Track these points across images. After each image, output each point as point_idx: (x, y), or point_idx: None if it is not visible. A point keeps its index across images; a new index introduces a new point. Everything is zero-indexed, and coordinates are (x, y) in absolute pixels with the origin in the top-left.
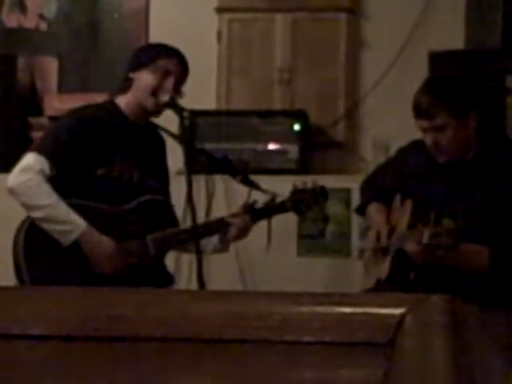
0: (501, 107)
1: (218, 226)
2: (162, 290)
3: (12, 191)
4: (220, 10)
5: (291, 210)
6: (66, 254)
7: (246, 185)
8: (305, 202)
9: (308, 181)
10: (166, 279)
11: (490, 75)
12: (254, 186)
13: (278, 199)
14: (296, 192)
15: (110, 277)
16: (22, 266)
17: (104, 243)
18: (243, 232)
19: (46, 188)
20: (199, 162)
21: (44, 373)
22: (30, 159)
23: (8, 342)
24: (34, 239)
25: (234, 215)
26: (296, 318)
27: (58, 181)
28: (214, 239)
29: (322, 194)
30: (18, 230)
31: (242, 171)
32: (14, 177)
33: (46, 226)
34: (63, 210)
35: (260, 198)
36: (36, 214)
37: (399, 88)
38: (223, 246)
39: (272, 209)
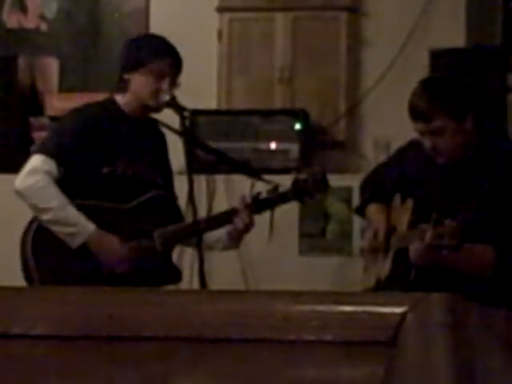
0: (502, 105)
1: (222, 220)
2: (163, 290)
3: (20, 194)
4: (220, 10)
5: (294, 199)
6: (74, 254)
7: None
8: (307, 191)
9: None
10: (174, 275)
11: (490, 73)
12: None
13: (280, 190)
14: (297, 181)
15: (118, 275)
16: (31, 266)
17: (113, 244)
18: (247, 225)
19: (54, 190)
20: (200, 159)
21: (45, 372)
22: (36, 161)
23: (8, 341)
24: (42, 239)
25: (234, 210)
26: (297, 317)
27: (65, 181)
28: (223, 236)
29: (322, 181)
30: (26, 230)
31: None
32: (22, 179)
33: (54, 227)
34: (71, 213)
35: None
36: (44, 216)
37: (400, 86)
38: (233, 243)
39: (275, 199)
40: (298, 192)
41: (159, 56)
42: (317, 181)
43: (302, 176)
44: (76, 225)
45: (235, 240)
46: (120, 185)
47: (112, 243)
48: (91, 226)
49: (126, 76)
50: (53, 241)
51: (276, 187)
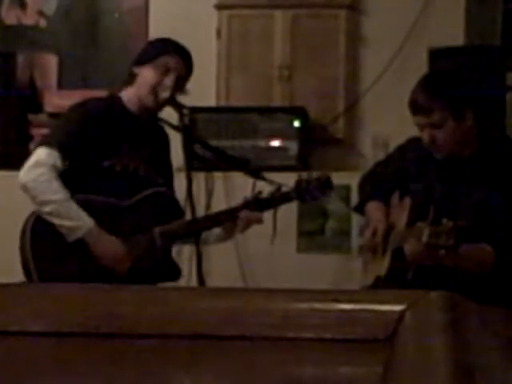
0: (501, 105)
1: (223, 218)
2: (162, 287)
3: (24, 187)
4: (219, 7)
5: (296, 199)
6: (73, 249)
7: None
8: (310, 192)
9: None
10: (173, 271)
11: (489, 72)
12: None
13: (283, 190)
14: (301, 182)
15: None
16: (30, 262)
17: (111, 243)
18: (246, 224)
19: (57, 184)
20: (199, 157)
21: (43, 370)
22: (41, 154)
23: (7, 339)
24: (40, 234)
25: (234, 209)
26: (296, 315)
27: (66, 174)
28: (219, 230)
29: (327, 184)
30: (25, 226)
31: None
32: (26, 172)
33: (54, 220)
34: (72, 207)
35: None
36: (45, 209)
37: (399, 85)
38: (227, 236)
39: (277, 199)
40: (300, 192)
41: (169, 52)
42: (321, 183)
43: (305, 176)
44: (76, 219)
45: (230, 234)
46: (120, 180)
47: (110, 242)
48: (91, 222)
49: (134, 70)
50: (52, 235)
51: (279, 187)
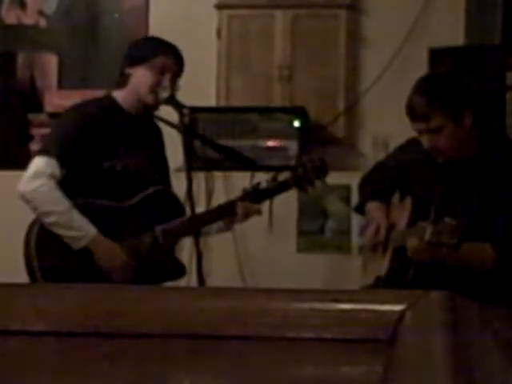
0: (501, 104)
1: (223, 212)
2: (162, 287)
3: (23, 198)
4: (220, 7)
5: (294, 187)
6: (77, 254)
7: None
8: (306, 178)
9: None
10: (178, 269)
11: (489, 72)
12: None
13: (280, 178)
14: (297, 169)
15: None
16: (35, 266)
17: (113, 253)
18: (246, 215)
19: (58, 194)
20: (198, 156)
21: (44, 369)
22: (39, 163)
23: (8, 338)
24: (45, 239)
25: (233, 202)
26: (296, 315)
27: (67, 179)
28: (219, 222)
29: (321, 168)
30: (30, 229)
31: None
32: (25, 183)
33: (57, 230)
34: (75, 217)
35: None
36: (48, 220)
37: (399, 84)
38: (226, 227)
39: (275, 188)
40: (297, 179)
41: (163, 52)
42: (316, 167)
43: (301, 163)
44: (78, 229)
45: (231, 225)
46: (120, 180)
47: (112, 252)
48: (93, 231)
49: (127, 71)
50: (56, 241)
51: (275, 176)
